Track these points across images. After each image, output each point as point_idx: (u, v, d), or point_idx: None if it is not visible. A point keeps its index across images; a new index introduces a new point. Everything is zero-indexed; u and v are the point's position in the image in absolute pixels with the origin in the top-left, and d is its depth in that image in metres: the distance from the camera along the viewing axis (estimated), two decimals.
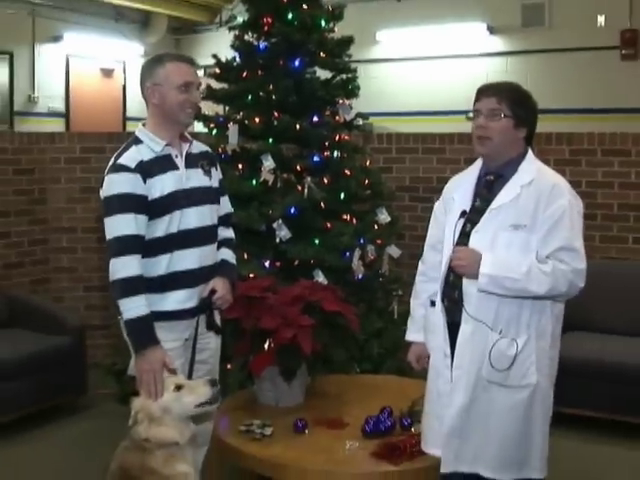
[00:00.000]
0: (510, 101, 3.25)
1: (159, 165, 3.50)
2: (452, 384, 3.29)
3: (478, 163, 3.44)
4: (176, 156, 3.57)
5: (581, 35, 9.91)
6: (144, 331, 3.40)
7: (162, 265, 3.52)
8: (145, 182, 3.43)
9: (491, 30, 10.60)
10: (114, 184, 3.43)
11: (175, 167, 3.55)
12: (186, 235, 3.55)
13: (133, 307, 3.38)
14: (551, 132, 6.51)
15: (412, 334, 3.67)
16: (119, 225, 3.40)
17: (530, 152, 3.33)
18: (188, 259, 3.57)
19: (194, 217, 3.58)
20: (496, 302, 3.18)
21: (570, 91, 9.97)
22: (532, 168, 3.26)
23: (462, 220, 3.32)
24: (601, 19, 9.78)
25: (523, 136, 3.29)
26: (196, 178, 3.63)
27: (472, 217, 3.29)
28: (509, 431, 3.24)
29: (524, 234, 3.16)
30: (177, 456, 3.22)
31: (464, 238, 3.28)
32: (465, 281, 3.23)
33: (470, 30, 10.69)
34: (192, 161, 3.63)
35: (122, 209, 3.40)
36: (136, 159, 3.44)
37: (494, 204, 3.23)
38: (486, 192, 3.31)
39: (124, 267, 3.38)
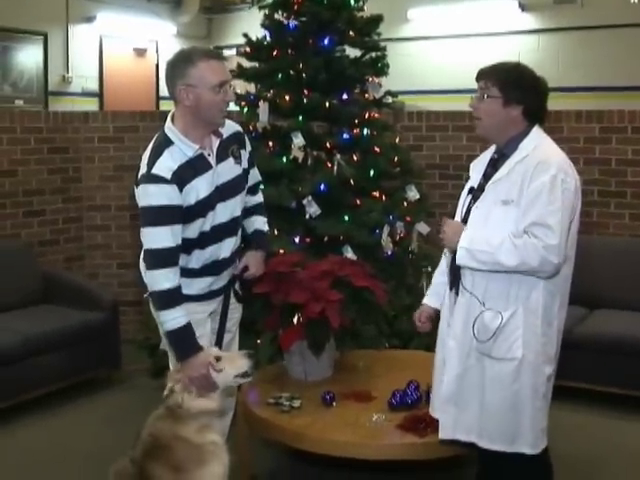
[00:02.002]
0: (497, 81, 3.27)
1: (193, 168, 3.46)
2: (447, 353, 3.39)
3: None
4: (208, 154, 3.54)
5: (614, 12, 9.78)
6: (185, 341, 3.43)
7: (195, 259, 3.59)
8: (181, 191, 3.41)
9: (523, 7, 10.51)
10: (150, 195, 3.40)
11: (208, 166, 3.52)
12: (217, 230, 3.60)
13: (172, 319, 3.41)
14: (581, 110, 6.49)
15: (425, 297, 3.78)
16: (156, 237, 3.40)
17: (534, 130, 3.33)
18: (218, 251, 3.64)
19: (226, 211, 3.61)
20: (486, 276, 3.24)
21: (602, 69, 9.87)
22: (530, 145, 3.27)
23: (469, 197, 3.42)
24: None
25: (518, 114, 3.28)
26: (227, 171, 3.62)
27: (476, 194, 3.37)
28: (498, 403, 3.28)
29: (513, 209, 3.19)
30: (209, 426, 3.29)
31: (469, 214, 3.36)
32: None
33: (502, 8, 10.62)
34: (223, 151, 3.60)
35: (159, 222, 3.39)
36: (171, 168, 3.39)
37: (491, 180, 3.30)
38: (490, 170, 3.38)
39: (162, 280, 3.41)
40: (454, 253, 3.31)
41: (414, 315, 3.78)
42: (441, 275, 3.65)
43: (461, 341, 3.32)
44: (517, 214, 3.19)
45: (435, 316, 3.69)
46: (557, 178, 3.16)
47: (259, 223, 3.93)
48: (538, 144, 3.29)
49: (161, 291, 3.41)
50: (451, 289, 3.44)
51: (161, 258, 3.41)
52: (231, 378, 3.40)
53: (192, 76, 3.41)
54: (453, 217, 3.57)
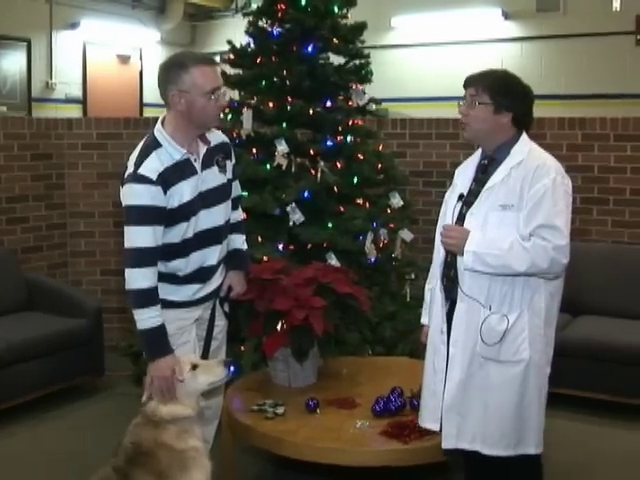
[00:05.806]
0: (489, 89, 3.30)
1: (179, 171, 3.49)
2: (449, 360, 3.36)
3: (480, 149, 3.52)
4: (195, 160, 3.56)
5: (596, 20, 9.85)
6: (157, 341, 3.46)
7: (178, 267, 3.60)
8: (166, 193, 3.44)
9: (506, 15, 10.56)
10: (135, 195, 3.42)
11: (194, 172, 3.55)
12: (201, 237, 3.61)
13: (147, 318, 3.44)
14: (564, 117, 6.53)
15: (424, 317, 3.74)
16: (137, 237, 3.42)
17: (523, 135, 3.39)
18: (203, 258, 3.66)
19: (209, 218, 3.62)
20: (488, 280, 3.25)
21: (585, 76, 9.93)
22: (524, 150, 3.32)
23: (460, 203, 3.41)
24: (616, 4, 9.68)
25: (508, 121, 3.33)
26: (212, 178, 3.64)
27: (468, 200, 3.38)
28: (505, 406, 3.30)
29: (512, 214, 3.23)
30: (189, 431, 3.30)
31: (461, 220, 3.36)
32: (459, 260, 3.30)
33: (485, 16, 10.66)
34: (208, 159, 3.63)
35: (141, 221, 3.42)
36: (157, 170, 3.42)
37: (486, 186, 3.32)
38: (481, 175, 3.40)
39: (140, 278, 3.43)
40: (445, 260, 3.33)
41: (421, 338, 3.73)
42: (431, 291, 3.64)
43: (463, 347, 3.31)
44: (516, 218, 3.22)
45: None
46: (557, 180, 3.23)
47: (238, 242, 3.95)
48: (531, 148, 3.35)
49: (139, 290, 3.44)
50: (447, 297, 3.43)
51: (141, 257, 3.43)
52: (205, 386, 3.42)
53: (185, 82, 3.43)
54: (435, 224, 3.59)
